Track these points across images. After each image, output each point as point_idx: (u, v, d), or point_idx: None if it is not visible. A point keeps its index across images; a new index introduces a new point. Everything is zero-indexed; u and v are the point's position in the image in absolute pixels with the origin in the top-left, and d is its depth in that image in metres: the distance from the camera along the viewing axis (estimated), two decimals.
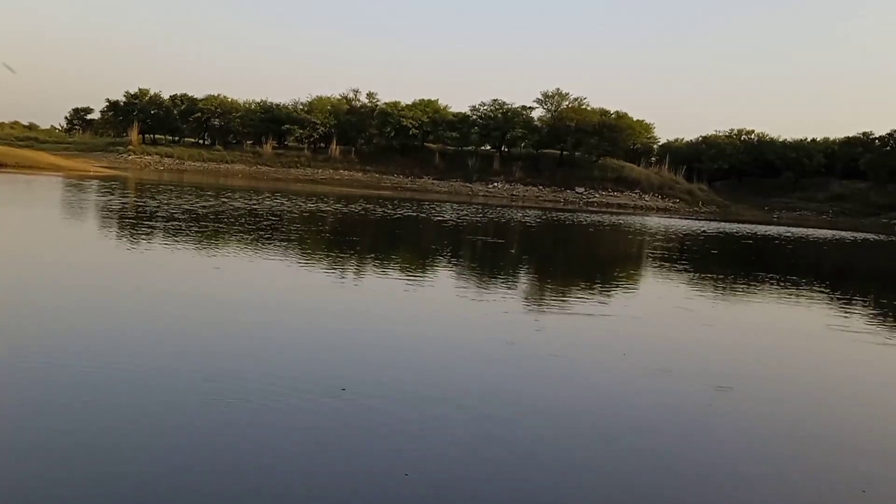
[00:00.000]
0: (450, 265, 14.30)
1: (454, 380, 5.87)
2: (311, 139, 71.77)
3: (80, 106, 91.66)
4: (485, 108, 70.72)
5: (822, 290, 15.24)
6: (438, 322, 8.49)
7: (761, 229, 38.90)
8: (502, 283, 12.35)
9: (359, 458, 4.08)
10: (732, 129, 76.25)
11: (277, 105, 74.70)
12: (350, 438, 4.37)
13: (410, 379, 5.74)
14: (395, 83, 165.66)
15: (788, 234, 35.44)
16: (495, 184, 66.06)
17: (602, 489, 4.03)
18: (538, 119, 70.88)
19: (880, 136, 67.61)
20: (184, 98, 74.41)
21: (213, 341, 6.54)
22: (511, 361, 6.65)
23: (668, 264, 17.66)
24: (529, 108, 70.46)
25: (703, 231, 33.41)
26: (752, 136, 75.37)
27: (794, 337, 9.28)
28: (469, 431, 4.67)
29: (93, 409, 4.47)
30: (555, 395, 5.64)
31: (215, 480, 3.75)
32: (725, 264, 19.89)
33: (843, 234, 40.76)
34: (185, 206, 21.76)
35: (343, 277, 11.14)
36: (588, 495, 3.94)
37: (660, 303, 11.32)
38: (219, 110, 73.05)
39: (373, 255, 14.77)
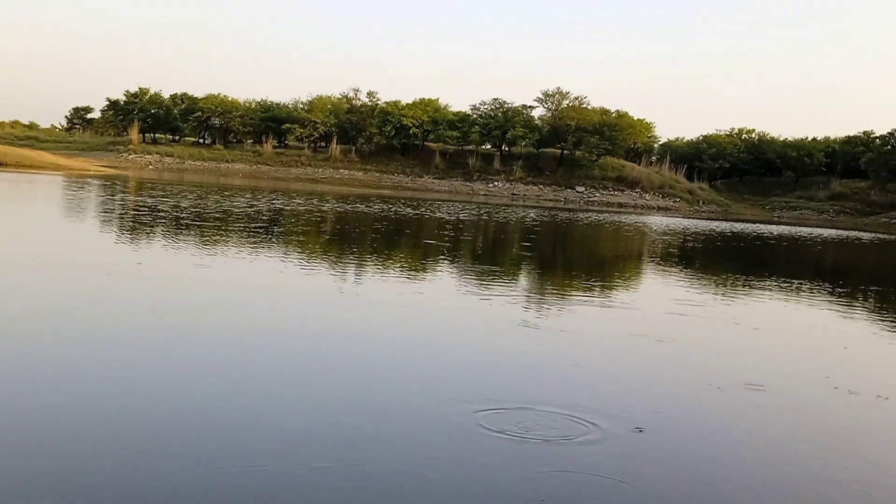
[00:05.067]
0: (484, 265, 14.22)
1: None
2: (312, 138, 71.56)
3: (80, 105, 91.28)
4: (485, 107, 70.81)
5: None
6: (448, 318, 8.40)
7: (771, 229, 38.95)
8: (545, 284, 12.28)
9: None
10: (733, 128, 76.67)
11: (277, 104, 74.66)
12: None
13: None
14: (395, 82, 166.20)
15: (803, 235, 35.46)
16: (496, 183, 66.07)
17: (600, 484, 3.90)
18: (539, 118, 70.92)
19: (881, 135, 67.89)
20: (184, 97, 74.25)
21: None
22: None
23: (761, 274, 17.56)
24: (530, 107, 70.62)
25: (720, 231, 33.39)
26: (753, 135, 75.63)
27: None
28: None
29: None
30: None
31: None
32: (793, 269, 19.11)
33: (849, 233, 40.88)
34: (224, 207, 21.60)
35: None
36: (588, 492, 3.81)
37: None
38: (219, 109, 72.77)
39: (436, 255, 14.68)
